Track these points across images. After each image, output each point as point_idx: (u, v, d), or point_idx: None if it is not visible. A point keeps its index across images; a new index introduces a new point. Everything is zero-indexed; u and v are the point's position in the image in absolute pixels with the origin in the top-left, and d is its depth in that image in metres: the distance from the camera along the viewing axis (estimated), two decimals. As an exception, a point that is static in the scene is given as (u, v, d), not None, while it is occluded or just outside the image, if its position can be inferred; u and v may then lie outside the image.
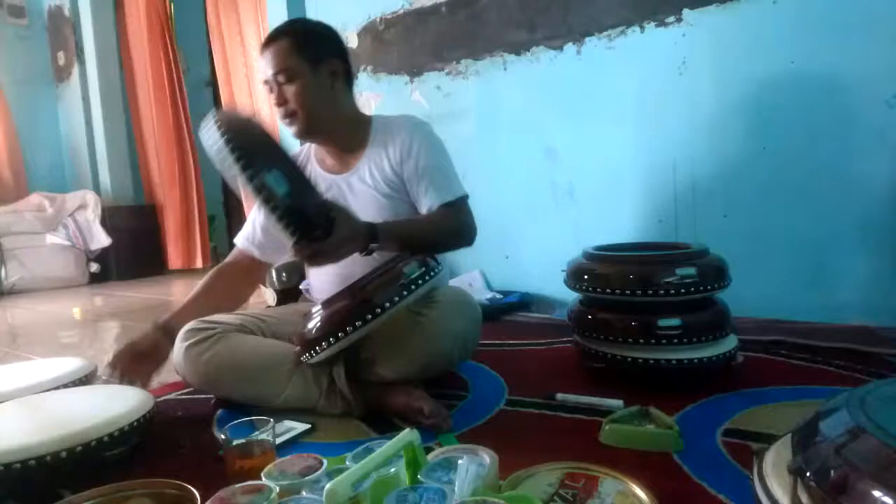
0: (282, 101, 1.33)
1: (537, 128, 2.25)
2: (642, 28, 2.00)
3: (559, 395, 1.27)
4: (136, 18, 4.25)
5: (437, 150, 1.41)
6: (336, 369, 1.26)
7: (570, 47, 2.15)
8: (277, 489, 0.74)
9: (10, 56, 4.42)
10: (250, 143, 1.05)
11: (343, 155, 1.44)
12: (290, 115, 1.34)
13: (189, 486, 0.75)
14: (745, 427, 1.09)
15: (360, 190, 1.40)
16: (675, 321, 1.27)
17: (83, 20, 4.37)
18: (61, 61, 4.58)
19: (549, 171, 2.23)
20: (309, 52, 1.33)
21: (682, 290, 1.25)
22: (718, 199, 1.89)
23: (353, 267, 1.39)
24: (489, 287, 2.41)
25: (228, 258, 1.58)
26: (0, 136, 4.26)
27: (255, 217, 1.52)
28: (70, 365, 1.45)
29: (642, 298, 1.26)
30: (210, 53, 4.94)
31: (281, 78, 1.32)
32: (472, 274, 2.46)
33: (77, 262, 4.09)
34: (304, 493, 0.74)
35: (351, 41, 2.77)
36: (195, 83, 4.72)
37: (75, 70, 4.47)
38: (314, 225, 1.08)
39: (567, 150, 2.19)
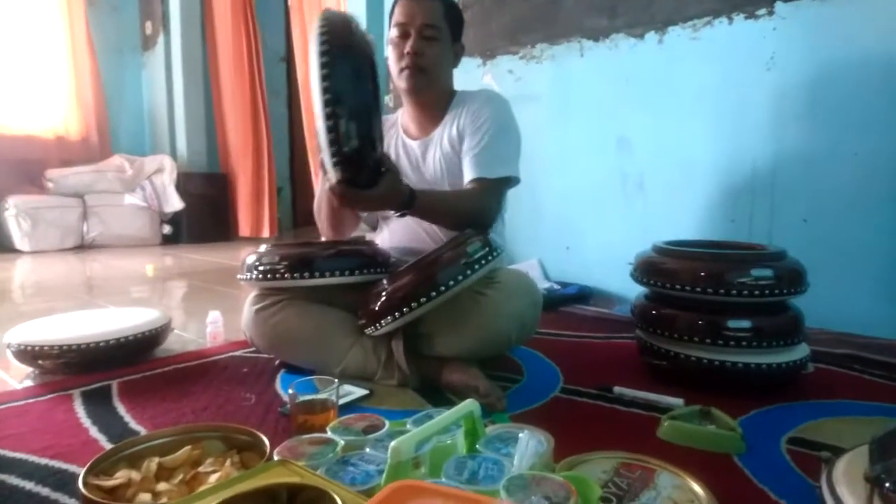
0: (418, 51, 1.33)
1: (611, 116, 2.20)
2: (730, 19, 1.91)
3: (616, 389, 1.25)
4: (220, -9, 4.40)
5: (501, 126, 1.38)
6: (395, 342, 1.29)
7: (651, 36, 2.09)
8: (342, 443, 0.76)
9: (104, 24, 4.66)
10: (344, 79, 1.00)
11: (425, 122, 1.46)
12: (417, 68, 1.34)
13: (259, 434, 0.79)
14: (811, 437, 1.05)
15: (431, 156, 1.43)
16: (745, 323, 1.23)
17: (171, -10, 4.56)
18: (148, 31, 4.80)
19: (620, 161, 2.18)
20: (453, 23, 1.39)
21: (756, 292, 1.20)
22: (799, 202, 1.80)
23: (419, 241, 1.42)
24: (546, 277, 2.39)
25: None
26: (91, 100, 4.52)
27: None
28: (150, 315, 1.54)
29: (712, 297, 1.22)
30: (287, 29, 5.08)
31: (428, 32, 1.33)
32: (530, 262, 2.44)
33: (151, 223, 4.31)
34: (367, 449, 0.77)
35: (426, 22, 2.78)
36: (270, 58, 4.85)
37: (161, 39, 4.68)
38: (362, 177, 1.08)
39: (640, 141, 2.14)
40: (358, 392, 1.22)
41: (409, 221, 1.46)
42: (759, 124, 1.86)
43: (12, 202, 3.81)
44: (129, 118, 4.86)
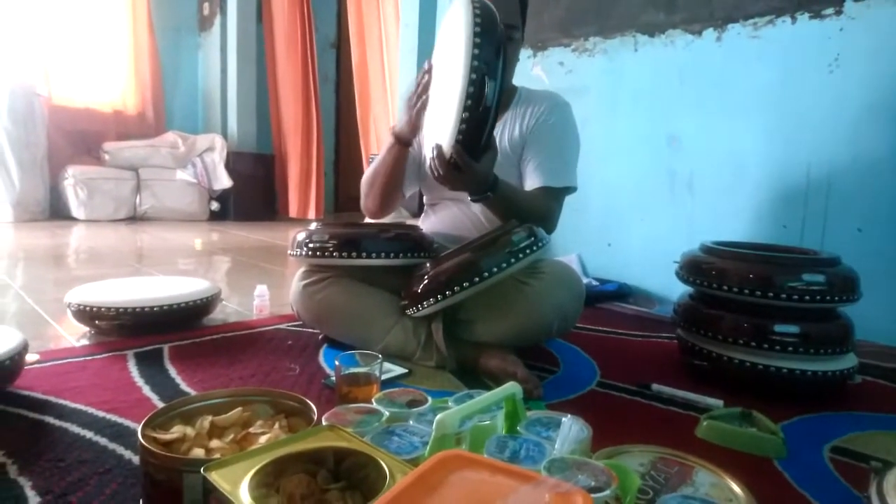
0: None
1: (662, 113, 2.17)
2: (794, 18, 1.86)
3: (654, 386, 1.25)
4: (277, -24, 4.48)
5: (567, 134, 1.41)
6: (435, 325, 1.31)
7: (709, 33, 2.04)
8: (387, 414, 0.79)
9: (164, 5, 4.80)
10: (491, 50, 1.07)
11: None
12: None
13: (307, 400, 0.82)
14: (856, 448, 1.02)
15: None
16: (792, 328, 1.20)
17: (230, -28, 4.67)
18: (206, 11, 4.92)
19: (669, 159, 2.15)
20: (524, 15, 1.40)
21: (807, 297, 1.18)
22: (854, 210, 1.74)
23: (463, 229, 1.44)
24: (585, 272, 2.38)
25: None
26: (148, 77, 4.67)
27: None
28: (201, 285, 1.60)
29: (760, 300, 1.20)
30: (339, 16, 5.14)
31: (508, 33, 1.31)
32: (570, 257, 2.42)
33: (200, 199, 4.44)
34: (410, 422, 0.79)
35: (479, 11, 2.78)
36: (321, 44, 4.92)
37: (217, 21, 4.79)
38: (477, 145, 1.12)
39: (691, 140, 2.10)
40: (397, 370, 1.24)
41: (455, 209, 1.47)
42: (817, 128, 1.81)
43: (71, 172, 3.98)
44: (183, 96, 5.01)
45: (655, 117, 2.18)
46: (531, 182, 1.37)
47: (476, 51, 1.05)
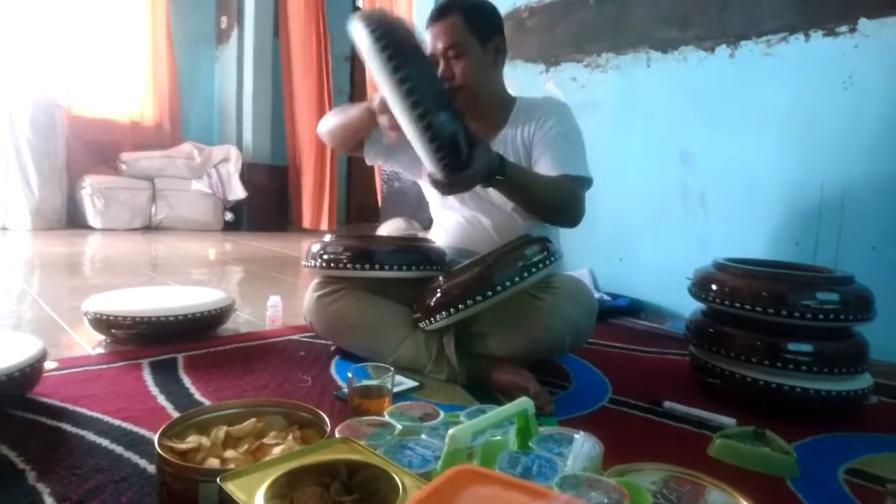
0: (449, 75, 1.36)
1: (674, 129, 2.17)
2: (807, 36, 1.86)
3: (666, 403, 1.24)
4: (294, -10, 4.56)
5: (570, 130, 1.39)
6: (446, 338, 1.32)
7: (722, 49, 2.05)
8: (400, 427, 0.79)
9: (183, 18, 4.90)
10: (418, 73, 1.04)
11: (486, 131, 1.46)
12: (454, 90, 1.37)
13: (321, 413, 0.82)
14: (872, 470, 1.01)
15: None
16: (806, 347, 1.20)
17: (247, -13, 4.76)
18: (223, 25, 5.01)
19: (682, 175, 2.15)
20: (479, 28, 1.36)
21: (820, 316, 1.17)
22: (870, 228, 1.73)
23: (474, 243, 1.44)
24: (597, 287, 2.37)
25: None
26: (166, 89, 4.76)
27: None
28: (215, 295, 1.62)
29: (773, 318, 1.19)
30: (353, 29, 5.19)
31: (451, 53, 1.35)
32: (581, 271, 2.42)
33: (214, 210, 4.50)
34: (422, 435, 0.79)
35: (492, 27, 2.80)
36: (336, 57, 4.98)
37: (234, 34, 4.88)
38: (461, 157, 1.11)
39: (704, 156, 2.10)
40: (408, 383, 1.25)
41: (465, 222, 1.48)
42: (831, 145, 1.80)
43: (88, 181, 4.05)
44: (200, 108, 5.09)
45: (668, 133, 2.19)
46: (548, 174, 1.35)
47: (401, 78, 1.00)
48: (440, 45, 1.35)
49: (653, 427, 1.17)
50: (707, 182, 2.09)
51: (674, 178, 2.16)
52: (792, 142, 1.89)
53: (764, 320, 1.21)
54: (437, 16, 1.37)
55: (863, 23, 1.74)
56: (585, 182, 1.37)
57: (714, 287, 1.30)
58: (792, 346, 1.20)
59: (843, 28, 1.78)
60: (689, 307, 1.46)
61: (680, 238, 2.15)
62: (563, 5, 2.52)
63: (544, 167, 1.35)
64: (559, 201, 1.31)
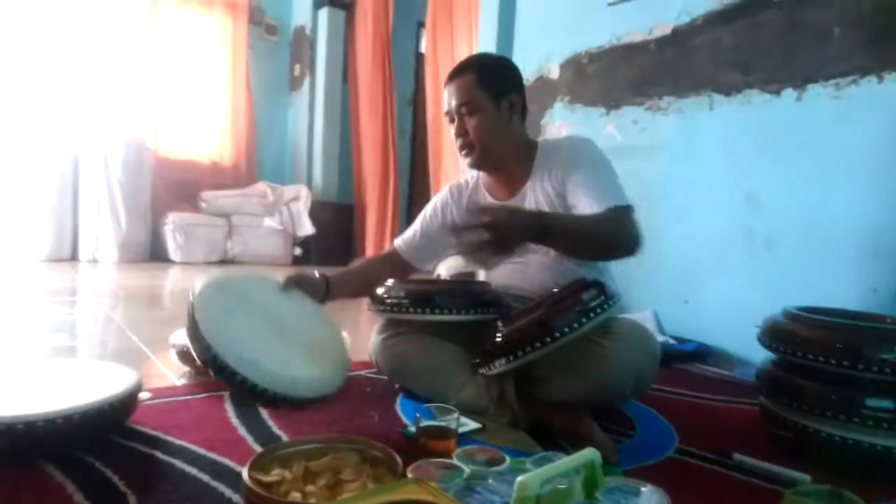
0: (462, 133, 1.42)
1: (739, 171, 2.14)
2: (880, 78, 1.82)
3: (736, 456, 1.21)
4: (363, 39, 4.84)
5: (599, 163, 1.39)
6: (506, 384, 1.34)
7: (788, 93, 2.02)
8: (468, 471, 0.83)
9: (261, 66, 5.26)
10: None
11: (510, 182, 1.50)
12: (467, 146, 1.43)
13: (393, 452, 0.87)
14: (962, 538, 0.96)
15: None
16: (886, 403, 1.15)
17: (319, 38, 5.08)
18: (297, 72, 5.33)
19: (747, 217, 2.11)
20: (492, 86, 1.41)
21: (901, 371, 1.13)
22: (956, 276, 1.65)
23: (531, 281, 1.46)
24: (661, 331, 2.33)
25: (382, 253, 1.75)
26: (243, 133, 5.09)
27: (420, 224, 1.65)
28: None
29: (850, 371, 1.15)
30: (416, 74, 5.44)
31: (464, 110, 1.40)
32: (644, 314, 2.39)
33: (285, 245, 4.74)
34: (490, 480, 0.82)
35: (552, 72, 2.88)
36: (400, 101, 5.19)
37: (307, 81, 5.18)
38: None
39: (771, 198, 2.06)
40: (471, 425, 1.27)
41: (518, 264, 1.48)
42: (910, 189, 1.74)
43: (171, 218, 4.36)
44: (273, 150, 5.40)
45: (733, 175, 2.16)
46: (590, 211, 1.33)
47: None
48: (454, 103, 1.41)
49: (721, 480, 1.14)
50: (774, 224, 2.04)
51: (739, 220, 2.13)
52: (866, 184, 1.83)
53: (839, 373, 1.17)
54: (453, 75, 1.44)
55: (941, 64, 1.70)
56: (629, 209, 1.33)
57: (784, 338, 1.27)
58: (871, 402, 1.15)
59: (920, 69, 1.74)
60: (758, 352, 1.42)
61: (747, 281, 2.10)
62: (623, 49, 2.57)
63: (586, 206, 1.32)
64: (611, 234, 1.29)
